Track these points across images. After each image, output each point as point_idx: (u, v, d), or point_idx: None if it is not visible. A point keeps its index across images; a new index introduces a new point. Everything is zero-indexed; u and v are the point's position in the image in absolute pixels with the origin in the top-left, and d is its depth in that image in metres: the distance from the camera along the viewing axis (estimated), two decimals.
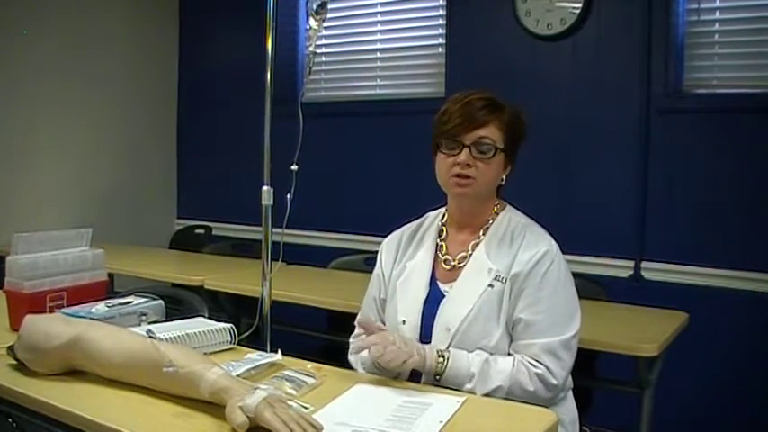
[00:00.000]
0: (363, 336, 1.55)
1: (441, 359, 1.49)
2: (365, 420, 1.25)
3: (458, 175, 1.58)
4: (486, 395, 1.46)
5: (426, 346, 1.51)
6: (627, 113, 3.10)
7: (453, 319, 1.55)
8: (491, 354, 1.51)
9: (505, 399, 1.46)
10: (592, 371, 2.19)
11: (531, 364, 1.48)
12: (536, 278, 1.53)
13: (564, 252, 1.59)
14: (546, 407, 1.41)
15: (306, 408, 1.27)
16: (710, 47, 3.03)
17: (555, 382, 1.48)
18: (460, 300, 1.57)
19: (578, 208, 3.20)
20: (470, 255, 1.62)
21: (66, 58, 3.96)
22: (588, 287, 2.43)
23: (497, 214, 1.65)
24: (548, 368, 1.48)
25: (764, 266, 2.79)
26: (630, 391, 2.15)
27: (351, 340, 1.75)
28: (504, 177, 1.64)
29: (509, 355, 1.53)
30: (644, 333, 2.10)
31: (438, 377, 1.49)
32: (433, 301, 1.61)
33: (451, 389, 1.46)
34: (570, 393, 1.63)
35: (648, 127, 3.06)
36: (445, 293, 1.61)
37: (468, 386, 1.47)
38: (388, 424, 1.24)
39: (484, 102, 1.58)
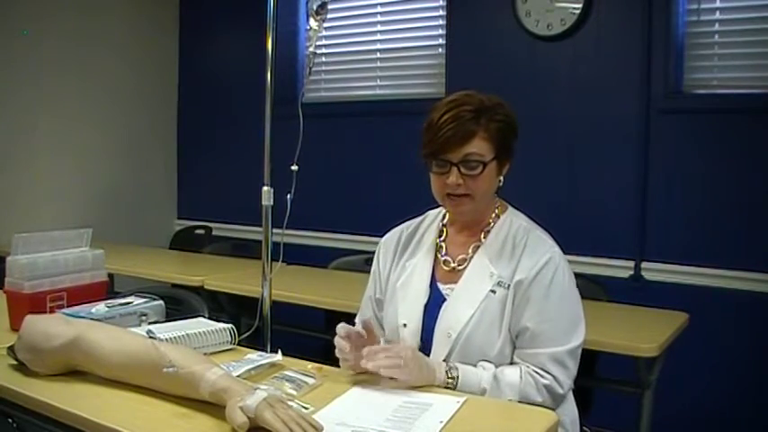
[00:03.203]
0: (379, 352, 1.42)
1: (450, 380, 1.47)
2: (365, 421, 1.25)
3: (451, 195, 1.55)
4: None
5: (435, 364, 1.48)
6: (627, 114, 3.10)
7: (455, 324, 1.53)
8: (495, 365, 1.50)
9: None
10: (592, 371, 2.19)
11: (539, 374, 1.47)
12: (542, 286, 1.50)
13: (564, 252, 1.58)
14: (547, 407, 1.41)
15: (306, 408, 1.27)
16: (710, 47, 3.03)
17: (561, 391, 1.48)
18: (462, 303, 1.55)
19: (579, 208, 3.20)
20: (471, 257, 1.60)
21: (67, 59, 3.96)
22: (588, 287, 2.42)
23: (498, 217, 1.62)
24: (555, 378, 1.47)
25: (764, 266, 2.79)
26: (630, 391, 2.15)
27: (338, 354, 1.72)
28: (501, 179, 1.60)
29: (512, 363, 1.52)
30: (644, 333, 2.10)
31: None
32: (434, 304, 1.59)
33: None
34: (570, 394, 1.61)
35: (648, 127, 3.06)
36: (446, 296, 1.59)
37: None
38: (389, 424, 1.24)
39: (469, 110, 1.51)
